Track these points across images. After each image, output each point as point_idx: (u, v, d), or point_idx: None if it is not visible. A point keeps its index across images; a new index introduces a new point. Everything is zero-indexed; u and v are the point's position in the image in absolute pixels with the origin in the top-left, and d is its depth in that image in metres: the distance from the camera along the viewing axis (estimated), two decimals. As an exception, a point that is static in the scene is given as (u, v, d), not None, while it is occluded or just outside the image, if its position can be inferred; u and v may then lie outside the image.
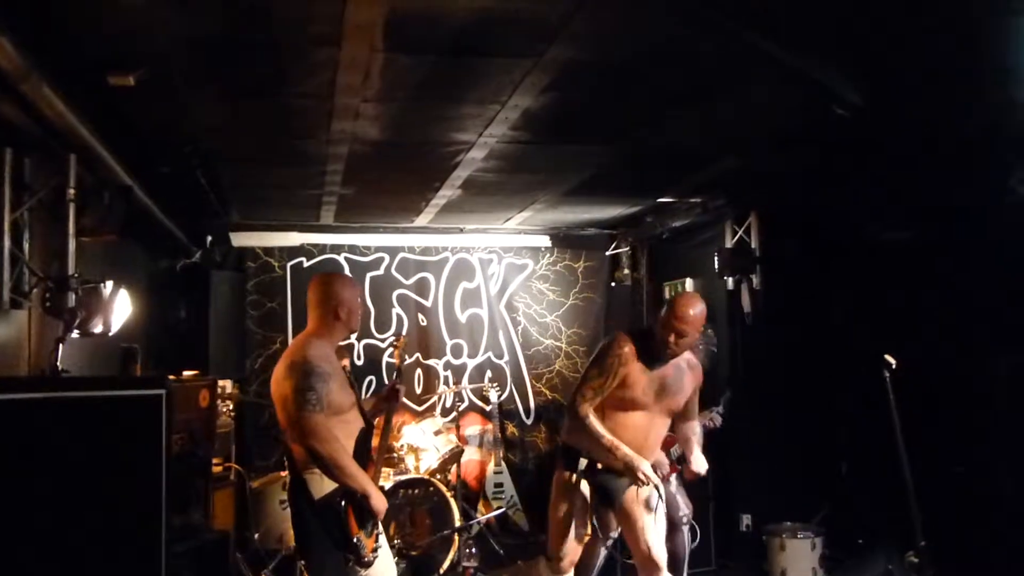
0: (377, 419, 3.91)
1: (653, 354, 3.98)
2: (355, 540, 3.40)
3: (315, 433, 3.32)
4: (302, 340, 3.59)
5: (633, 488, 3.98)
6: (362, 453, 3.55)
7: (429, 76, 3.69)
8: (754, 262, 6.42)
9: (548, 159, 5.26)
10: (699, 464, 4.45)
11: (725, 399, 5.52)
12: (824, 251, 6.35)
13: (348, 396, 3.55)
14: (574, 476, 3.99)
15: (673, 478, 5.24)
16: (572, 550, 4.06)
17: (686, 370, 4.11)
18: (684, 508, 5.25)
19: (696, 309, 3.95)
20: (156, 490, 2.40)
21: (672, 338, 3.89)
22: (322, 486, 3.42)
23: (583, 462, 3.98)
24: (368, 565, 3.49)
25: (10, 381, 3.01)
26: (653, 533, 4.04)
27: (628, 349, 3.92)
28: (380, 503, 3.44)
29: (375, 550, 3.54)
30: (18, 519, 2.25)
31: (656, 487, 4.00)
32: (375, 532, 3.54)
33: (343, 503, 3.41)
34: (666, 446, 5.17)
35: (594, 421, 3.87)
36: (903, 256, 5.67)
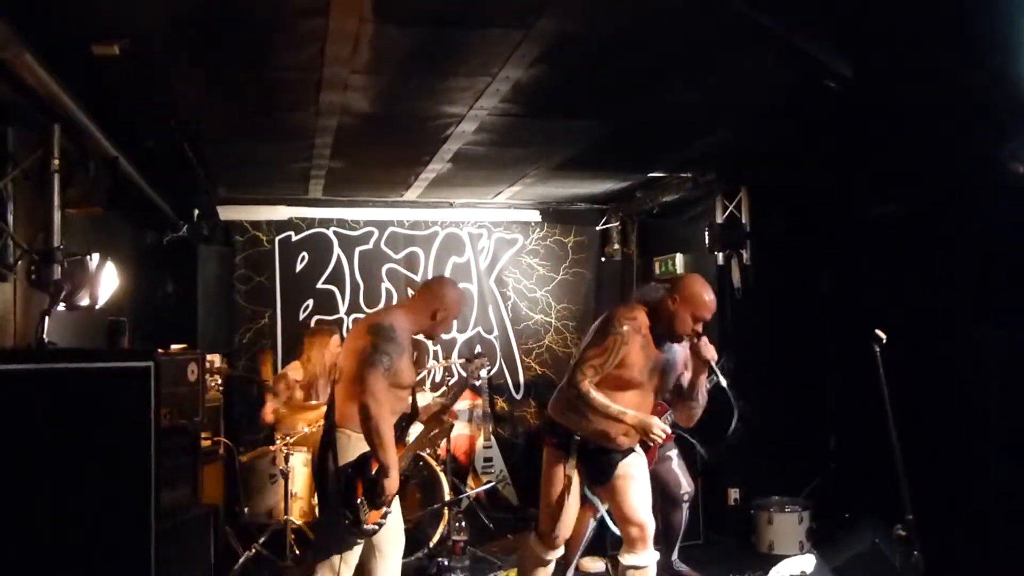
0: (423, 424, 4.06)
1: (661, 334, 3.90)
2: (358, 502, 3.47)
3: (374, 392, 3.43)
4: (393, 309, 3.88)
5: (624, 463, 3.98)
6: (396, 433, 3.65)
7: (419, 47, 3.65)
8: (744, 237, 6.42)
9: (539, 132, 5.23)
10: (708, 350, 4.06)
11: (722, 364, 5.41)
12: (814, 226, 6.36)
13: (411, 376, 3.70)
14: (567, 455, 3.96)
15: (675, 455, 5.25)
16: (565, 526, 4.05)
17: (678, 349, 4.04)
18: (686, 486, 5.27)
19: (713, 295, 3.87)
20: (145, 463, 2.38)
21: (691, 325, 3.82)
22: (348, 450, 3.54)
23: (576, 440, 3.95)
24: (366, 534, 3.55)
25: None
26: (643, 506, 4.05)
27: (629, 327, 3.81)
28: (393, 483, 3.51)
29: (379, 524, 3.58)
30: (4, 492, 2.22)
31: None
32: (384, 508, 3.57)
33: (352, 471, 3.50)
34: (659, 413, 5.19)
35: (597, 394, 3.76)
36: (892, 231, 5.67)
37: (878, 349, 3.72)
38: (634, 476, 4.02)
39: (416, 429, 4.06)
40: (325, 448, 3.62)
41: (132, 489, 2.39)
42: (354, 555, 3.62)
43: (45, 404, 2.30)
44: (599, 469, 3.99)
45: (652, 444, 3.85)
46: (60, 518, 2.32)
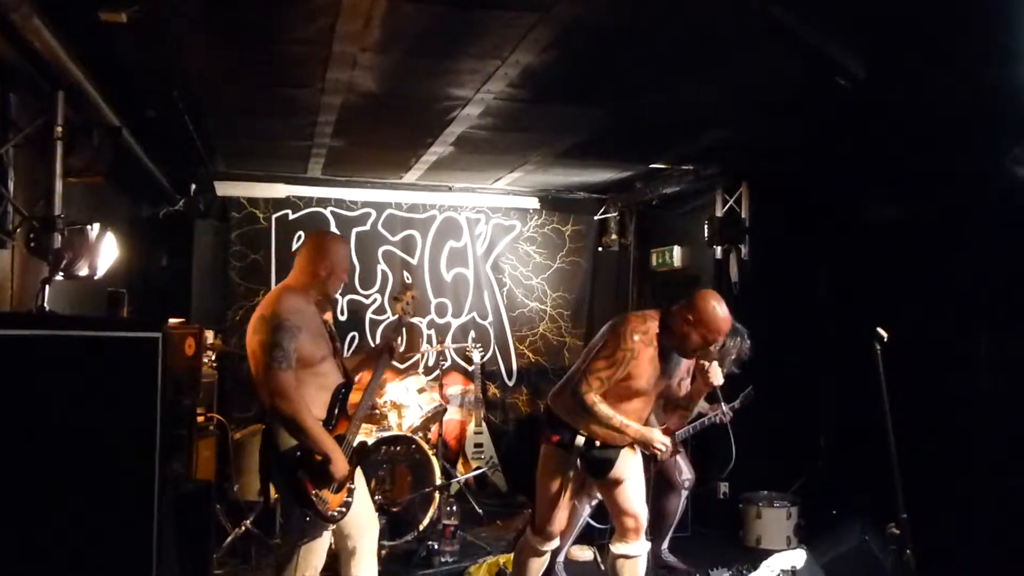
0: (361, 375, 3.87)
1: (671, 348, 3.87)
2: (312, 496, 3.36)
3: (280, 392, 3.29)
4: (276, 293, 3.55)
5: (623, 455, 3.98)
6: (336, 408, 3.51)
7: (432, 26, 3.61)
8: (743, 232, 6.42)
9: (543, 119, 5.20)
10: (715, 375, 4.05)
11: (746, 395, 5.32)
12: (813, 224, 6.36)
13: (321, 349, 3.49)
14: (569, 453, 3.94)
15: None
16: (561, 519, 4.08)
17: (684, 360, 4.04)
18: (687, 472, 5.29)
19: (729, 318, 3.82)
20: (150, 437, 2.33)
21: (700, 345, 3.79)
22: (288, 438, 3.39)
23: (580, 439, 3.92)
24: (332, 520, 3.45)
25: (5, 316, 2.93)
26: (638, 497, 4.08)
27: (640, 339, 3.80)
28: (340, 468, 3.38)
29: (345, 504, 3.49)
30: (4, 463, 2.17)
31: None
32: (345, 487, 3.48)
33: (298, 465, 3.36)
34: (671, 432, 5.19)
35: (602, 406, 3.78)
36: (891, 232, 5.68)
37: (879, 347, 3.70)
38: (631, 468, 4.04)
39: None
40: (265, 442, 3.47)
41: (135, 463, 2.34)
42: (319, 543, 3.52)
43: (47, 371, 2.24)
44: (598, 465, 3.99)
45: (657, 457, 3.90)
46: (59, 488, 2.26)
